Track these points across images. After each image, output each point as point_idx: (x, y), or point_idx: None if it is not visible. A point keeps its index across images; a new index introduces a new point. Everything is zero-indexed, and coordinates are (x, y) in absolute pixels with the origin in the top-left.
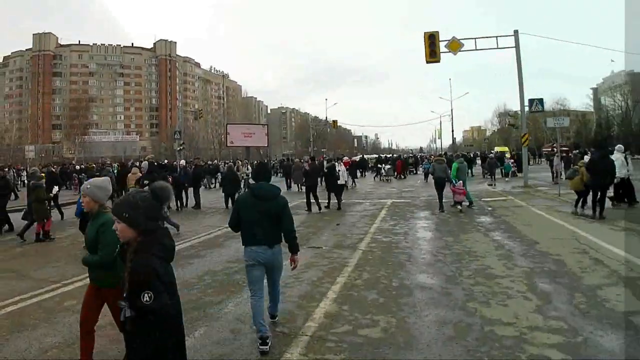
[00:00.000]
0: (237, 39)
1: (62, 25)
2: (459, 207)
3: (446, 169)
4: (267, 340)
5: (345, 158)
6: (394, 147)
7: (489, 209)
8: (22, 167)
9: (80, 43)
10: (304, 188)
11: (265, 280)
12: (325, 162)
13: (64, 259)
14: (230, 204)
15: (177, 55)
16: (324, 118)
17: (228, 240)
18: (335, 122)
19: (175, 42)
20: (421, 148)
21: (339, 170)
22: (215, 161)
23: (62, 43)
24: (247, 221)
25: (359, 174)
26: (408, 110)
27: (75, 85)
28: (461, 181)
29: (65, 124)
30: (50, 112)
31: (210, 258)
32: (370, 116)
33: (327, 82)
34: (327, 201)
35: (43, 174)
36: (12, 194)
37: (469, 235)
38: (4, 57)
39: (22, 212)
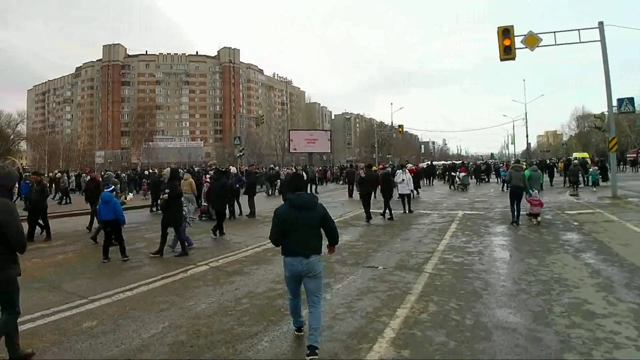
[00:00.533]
0: (301, 45)
1: (130, 37)
2: (534, 220)
3: (524, 177)
4: (302, 329)
5: (410, 165)
6: (462, 153)
7: (575, 224)
8: (90, 171)
9: (148, 53)
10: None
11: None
12: (390, 170)
13: (100, 270)
14: None
15: (240, 62)
16: (390, 123)
17: (277, 255)
18: (401, 127)
19: (239, 50)
20: (492, 154)
21: (402, 179)
22: (277, 167)
23: (130, 53)
24: (285, 232)
25: (426, 182)
26: (478, 114)
27: (142, 94)
28: (536, 191)
29: (133, 131)
30: (119, 119)
31: (253, 276)
32: (437, 121)
33: (393, 87)
34: (385, 211)
35: (117, 180)
36: (66, 197)
37: (555, 257)
38: (77, 68)
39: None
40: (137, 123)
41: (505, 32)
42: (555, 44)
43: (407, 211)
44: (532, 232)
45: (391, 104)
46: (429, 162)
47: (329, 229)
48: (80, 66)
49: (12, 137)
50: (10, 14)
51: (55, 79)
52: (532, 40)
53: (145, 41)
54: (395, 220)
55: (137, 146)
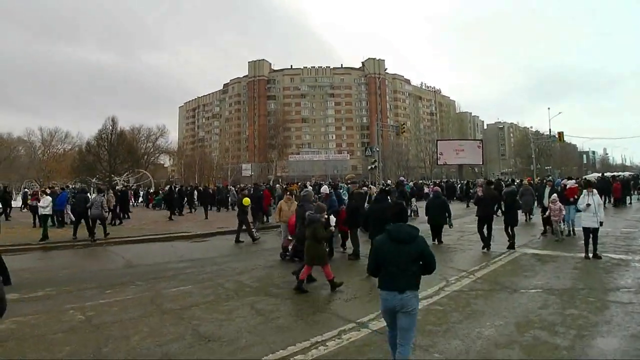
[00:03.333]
0: (449, 54)
1: (274, 53)
2: None
3: None
4: None
5: (571, 182)
6: (627, 163)
7: None
8: (233, 186)
9: (292, 67)
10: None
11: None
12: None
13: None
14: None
15: (386, 72)
16: (546, 132)
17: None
18: (561, 134)
19: (384, 60)
20: None
21: (587, 205)
22: (422, 181)
23: (275, 68)
24: (382, 265)
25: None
26: None
27: (288, 107)
28: None
29: (279, 144)
30: (265, 132)
31: None
32: (598, 128)
33: (548, 94)
34: (510, 240)
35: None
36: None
37: None
38: (224, 85)
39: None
40: (270, 136)
41: None
42: None
43: (590, 255)
44: None
45: (548, 108)
46: (600, 175)
47: (427, 265)
48: (228, 82)
49: (151, 150)
50: (167, 37)
51: (204, 96)
52: None
53: (290, 56)
54: (561, 260)
55: (281, 158)
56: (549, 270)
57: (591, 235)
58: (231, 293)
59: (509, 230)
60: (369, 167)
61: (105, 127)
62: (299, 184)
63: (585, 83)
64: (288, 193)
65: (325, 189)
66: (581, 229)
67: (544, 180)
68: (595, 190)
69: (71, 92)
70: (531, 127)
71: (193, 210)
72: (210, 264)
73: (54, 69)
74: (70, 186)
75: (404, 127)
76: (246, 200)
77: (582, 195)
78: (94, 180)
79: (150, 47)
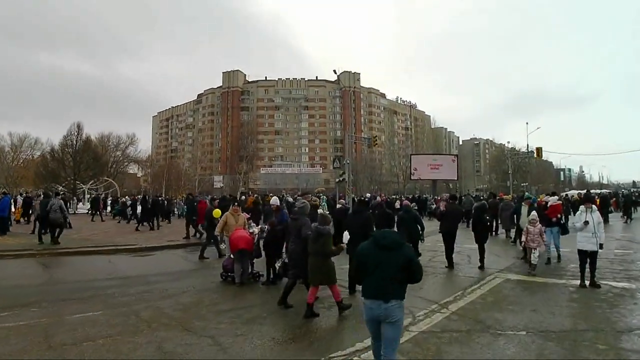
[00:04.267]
0: (424, 69)
1: (249, 63)
2: None
3: None
4: None
5: (553, 198)
6: (604, 181)
7: None
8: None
9: (267, 79)
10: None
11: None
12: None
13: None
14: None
15: (361, 86)
16: (522, 148)
17: None
18: (539, 149)
19: (359, 73)
20: (634, 182)
21: (585, 222)
22: (394, 196)
23: (249, 79)
24: (365, 273)
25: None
26: (621, 136)
27: (261, 119)
28: None
29: (249, 155)
30: (238, 144)
31: None
32: (574, 146)
33: (524, 110)
34: (482, 259)
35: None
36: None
37: None
38: (198, 95)
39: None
40: (240, 146)
41: None
42: None
43: (586, 283)
44: None
45: (527, 123)
46: (585, 191)
47: (412, 273)
48: (202, 93)
49: (120, 158)
50: (145, 49)
51: (178, 106)
52: None
53: (265, 67)
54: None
55: (252, 170)
56: (539, 303)
57: (588, 260)
58: (143, 325)
59: (480, 250)
60: (337, 180)
61: (70, 132)
62: (271, 195)
63: (561, 100)
64: (236, 204)
65: (275, 200)
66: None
67: (521, 198)
68: (594, 207)
69: (45, 101)
70: (508, 143)
71: (167, 222)
72: (140, 284)
73: (27, 75)
74: (33, 193)
75: (375, 140)
76: (216, 212)
77: (578, 212)
78: (59, 187)
79: (125, 57)
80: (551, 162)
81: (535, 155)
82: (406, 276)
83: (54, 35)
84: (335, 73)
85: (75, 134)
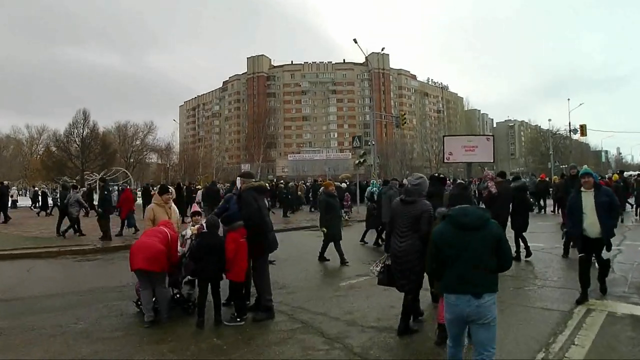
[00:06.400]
0: (455, 50)
1: (274, 48)
2: None
3: None
4: None
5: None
6: None
7: None
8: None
9: (293, 63)
10: None
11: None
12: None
13: None
14: None
15: (390, 68)
16: (560, 129)
17: None
18: (583, 127)
19: (388, 55)
20: None
21: None
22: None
23: (275, 64)
24: (448, 260)
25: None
26: None
27: (289, 105)
28: None
29: (279, 143)
30: (265, 131)
31: None
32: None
33: (557, 92)
34: (526, 249)
35: None
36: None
37: None
38: (224, 82)
39: None
40: (255, 130)
41: None
42: None
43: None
44: None
45: (568, 99)
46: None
47: (503, 255)
48: (227, 80)
49: (139, 148)
50: (169, 38)
51: (204, 94)
52: None
53: (290, 53)
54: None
55: (285, 158)
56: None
57: None
58: None
59: (520, 239)
60: (356, 162)
61: (77, 120)
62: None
63: (597, 81)
64: (170, 192)
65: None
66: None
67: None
68: None
69: (71, 94)
70: (550, 121)
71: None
72: (16, 312)
73: (53, 70)
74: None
75: (405, 118)
76: None
77: None
78: (64, 178)
79: (151, 48)
80: (587, 144)
81: (579, 133)
82: (494, 262)
83: (79, 27)
84: (356, 42)
85: (82, 121)
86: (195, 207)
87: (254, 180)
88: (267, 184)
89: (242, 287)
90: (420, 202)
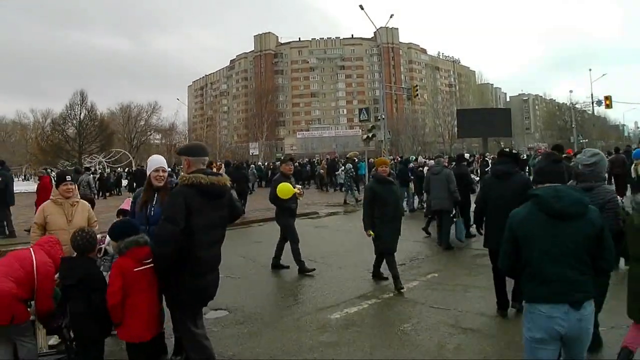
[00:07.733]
0: (467, 22)
1: (281, 25)
2: None
3: None
4: None
5: None
6: None
7: None
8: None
9: (300, 40)
10: None
11: None
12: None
13: None
14: None
15: (399, 42)
16: (578, 102)
17: None
18: (608, 98)
19: (397, 29)
20: None
21: None
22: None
23: (282, 41)
24: (531, 258)
25: None
26: None
27: (296, 82)
28: None
29: (288, 121)
30: (274, 109)
31: None
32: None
33: (574, 63)
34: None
35: None
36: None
37: None
38: (231, 61)
39: None
40: (257, 107)
41: None
42: None
43: None
44: None
45: (590, 69)
46: None
47: (603, 252)
48: (234, 59)
49: (144, 128)
50: (176, 20)
51: (211, 73)
52: None
53: (297, 31)
54: None
55: (294, 136)
56: None
57: None
58: None
59: None
60: (364, 137)
61: (74, 102)
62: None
63: (614, 55)
64: (68, 180)
65: (157, 161)
66: None
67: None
68: None
69: (79, 77)
70: (571, 92)
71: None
72: None
73: (60, 53)
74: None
75: (416, 90)
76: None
77: None
78: (64, 162)
79: (159, 30)
80: (605, 118)
81: (604, 105)
82: (590, 261)
83: (86, 10)
84: (362, 9)
85: (79, 103)
86: (127, 204)
87: (205, 157)
88: (247, 174)
89: (144, 350)
90: (601, 189)
